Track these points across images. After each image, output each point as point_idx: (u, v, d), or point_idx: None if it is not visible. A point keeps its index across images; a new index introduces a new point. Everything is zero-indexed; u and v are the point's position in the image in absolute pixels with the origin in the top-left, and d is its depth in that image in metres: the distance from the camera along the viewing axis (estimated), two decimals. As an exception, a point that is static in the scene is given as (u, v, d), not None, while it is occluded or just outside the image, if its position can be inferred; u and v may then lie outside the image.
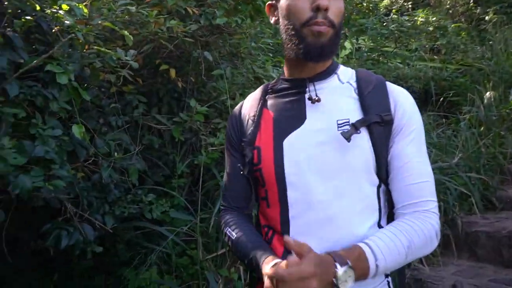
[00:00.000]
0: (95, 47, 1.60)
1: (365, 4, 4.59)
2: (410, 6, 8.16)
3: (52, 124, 1.40)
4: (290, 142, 0.90)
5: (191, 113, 2.50)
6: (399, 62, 4.62)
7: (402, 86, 0.95)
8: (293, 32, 0.85)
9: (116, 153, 1.82)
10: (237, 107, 1.07)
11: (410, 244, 0.81)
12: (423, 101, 4.28)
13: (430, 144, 3.16)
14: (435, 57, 5.19)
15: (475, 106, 3.78)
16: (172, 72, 2.32)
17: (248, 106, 1.03)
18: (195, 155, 2.58)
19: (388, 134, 0.88)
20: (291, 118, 0.92)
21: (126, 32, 1.56)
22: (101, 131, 1.98)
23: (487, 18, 7.73)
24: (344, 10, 0.89)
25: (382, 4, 5.59)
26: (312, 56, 0.85)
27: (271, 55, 3.12)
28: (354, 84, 0.93)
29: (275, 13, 0.94)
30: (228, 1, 2.45)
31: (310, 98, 0.90)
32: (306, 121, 0.90)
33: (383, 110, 0.88)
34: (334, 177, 0.87)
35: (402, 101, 0.92)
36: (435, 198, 0.88)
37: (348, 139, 0.83)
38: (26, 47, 1.42)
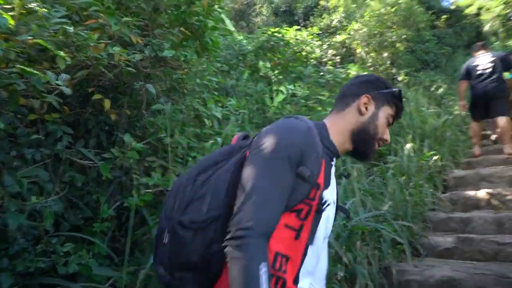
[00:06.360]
0: (18, 66, 1.33)
1: (303, 54, 4.84)
2: (338, 60, 8.93)
3: None
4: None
5: (124, 149, 2.25)
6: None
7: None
8: (368, 136, 1.14)
9: (34, 197, 1.49)
10: (308, 133, 1.02)
11: None
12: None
13: (364, 191, 3.27)
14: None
15: (398, 156, 4.08)
16: (107, 103, 2.08)
17: (315, 141, 1.02)
18: (124, 196, 2.29)
19: None
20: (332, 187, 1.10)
21: (61, 53, 1.33)
22: (12, 166, 1.63)
23: (399, 78, 8.79)
24: None
25: (314, 55, 5.97)
26: (366, 160, 1.22)
27: (216, 93, 3.02)
28: None
29: (371, 107, 1.15)
30: (175, 34, 2.34)
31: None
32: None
33: None
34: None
35: None
36: None
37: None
38: None
